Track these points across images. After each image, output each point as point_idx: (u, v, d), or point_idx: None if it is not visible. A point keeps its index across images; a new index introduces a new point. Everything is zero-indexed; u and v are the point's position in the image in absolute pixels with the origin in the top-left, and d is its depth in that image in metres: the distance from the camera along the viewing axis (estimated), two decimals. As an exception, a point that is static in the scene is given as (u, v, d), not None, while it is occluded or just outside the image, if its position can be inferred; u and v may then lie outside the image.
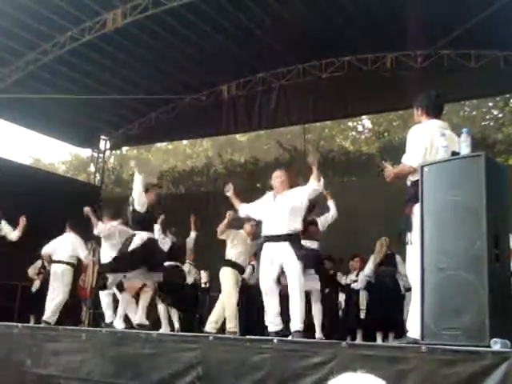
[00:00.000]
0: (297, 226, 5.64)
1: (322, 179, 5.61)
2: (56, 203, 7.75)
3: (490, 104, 18.82)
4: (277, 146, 18.20)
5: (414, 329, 3.89)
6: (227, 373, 4.24)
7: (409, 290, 8.34)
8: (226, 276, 7.55)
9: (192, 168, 19.28)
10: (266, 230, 5.69)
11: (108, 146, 15.75)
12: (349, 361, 3.64)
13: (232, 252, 7.64)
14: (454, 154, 3.92)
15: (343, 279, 9.38)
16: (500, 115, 18.57)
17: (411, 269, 4.08)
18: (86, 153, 21.20)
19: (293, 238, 5.55)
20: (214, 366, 4.36)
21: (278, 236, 5.54)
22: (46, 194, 7.49)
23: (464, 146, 3.76)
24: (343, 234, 10.24)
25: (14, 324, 6.35)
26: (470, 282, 3.43)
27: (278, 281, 5.65)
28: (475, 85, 10.73)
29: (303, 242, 6.34)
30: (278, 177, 5.84)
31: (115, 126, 14.85)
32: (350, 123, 22.28)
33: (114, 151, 18.02)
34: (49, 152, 37.31)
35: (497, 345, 3.19)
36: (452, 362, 3.24)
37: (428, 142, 4.06)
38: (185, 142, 25.17)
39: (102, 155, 15.83)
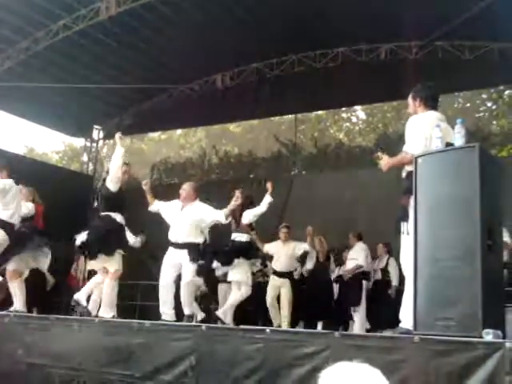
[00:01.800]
0: (197, 239, 6.43)
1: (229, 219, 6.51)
2: (49, 193, 7.69)
3: (484, 96, 18.86)
4: (271, 137, 18.16)
5: (406, 319, 3.90)
6: (220, 362, 4.25)
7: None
8: None
9: (185, 159, 19.23)
10: (170, 236, 6.45)
11: (101, 135, 15.69)
12: (342, 351, 3.65)
13: None
14: (448, 145, 3.92)
15: (336, 270, 9.41)
16: (494, 107, 18.61)
17: (405, 259, 4.08)
18: (79, 142, 21.15)
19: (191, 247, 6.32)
20: (207, 355, 4.36)
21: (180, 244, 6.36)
22: (39, 183, 7.47)
23: (458, 137, 3.76)
24: (337, 226, 10.27)
25: (6, 313, 6.33)
26: (463, 273, 3.44)
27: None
28: (469, 76, 10.75)
29: (235, 234, 7.47)
30: (184, 190, 6.51)
31: (108, 115, 14.78)
32: (343, 114, 22.29)
33: (107, 141, 17.94)
34: (42, 141, 37.13)
35: (489, 335, 3.20)
36: (445, 352, 3.25)
37: (428, 132, 4.06)
38: (178, 132, 25.14)
39: (95, 145, 15.77)
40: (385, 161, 4.31)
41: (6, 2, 9.76)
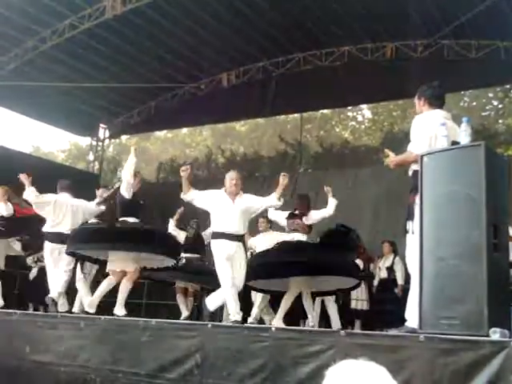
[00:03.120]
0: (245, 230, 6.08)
1: (282, 200, 5.98)
2: (55, 191, 7.73)
3: (490, 94, 18.79)
4: (276, 136, 18.16)
5: (412, 318, 3.89)
6: (226, 360, 4.26)
7: None
8: None
9: (191, 158, 19.27)
10: (221, 227, 5.90)
11: (107, 134, 15.72)
12: (347, 349, 3.65)
13: None
14: (453, 143, 3.91)
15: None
16: (500, 106, 18.53)
17: (411, 258, 4.08)
18: (84, 141, 21.21)
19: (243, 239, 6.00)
20: (213, 353, 4.37)
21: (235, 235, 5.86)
22: (45, 182, 7.50)
23: (464, 136, 3.75)
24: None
25: (13, 311, 6.36)
26: (468, 272, 3.43)
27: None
28: (475, 75, 10.71)
29: (292, 234, 7.07)
30: (238, 179, 6.04)
31: (114, 114, 14.82)
32: (349, 113, 22.25)
33: (113, 140, 17.99)
34: (48, 140, 37.21)
35: (496, 334, 3.19)
36: (450, 351, 3.24)
37: (432, 131, 4.05)
38: (184, 131, 25.14)
39: (101, 143, 15.80)
40: (391, 158, 4.32)
41: (13, 1, 9.79)
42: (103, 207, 7.23)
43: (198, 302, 9.39)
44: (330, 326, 7.15)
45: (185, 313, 8.49)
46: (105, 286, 6.44)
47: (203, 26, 10.68)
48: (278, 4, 9.97)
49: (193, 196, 6.05)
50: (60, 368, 5.29)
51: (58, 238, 6.83)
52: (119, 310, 6.29)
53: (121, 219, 6.52)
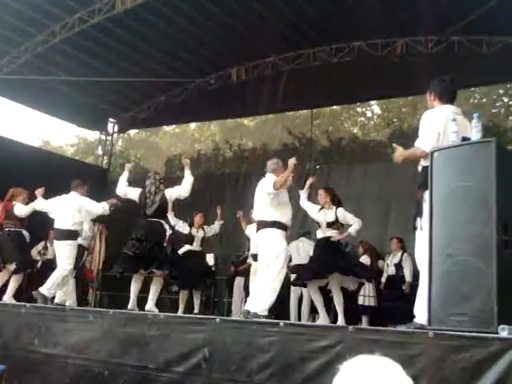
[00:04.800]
0: None
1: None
2: (64, 185, 7.81)
3: (501, 91, 18.66)
4: (285, 131, 18.14)
5: (421, 314, 3.89)
6: (234, 355, 4.27)
7: None
8: None
9: (199, 153, 19.26)
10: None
11: (116, 128, 15.73)
12: (355, 345, 3.66)
13: None
14: (464, 139, 3.89)
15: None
16: (510, 102, 18.41)
17: (420, 254, 4.07)
18: (93, 136, 21.25)
19: None
20: (221, 348, 4.39)
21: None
22: (55, 176, 7.53)
23: (475, 132, 3.73)
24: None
25: (22, 304, 6.40)
26: (478, 269, 3.42)
27: None
28: (486, 71, 10.62)
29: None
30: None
31: (123, 108, 14.82)
32: (358, 109, 22.15)
33: (121, 134, 18.01)
34: (57, 135, 37.35)
35: (505, 331, 3.18)
36: (459, 347, 3.24)
37: (441, 127, 4.03)
38: (193, 125, 25.13)
39: (109, 138, 15.82)
40: (399, 152, 4.30)
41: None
42: (107, 212, 7.77)
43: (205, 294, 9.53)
44: (336, 322, 7.19)
45: (180, 310, 8.55)
46: None
47: (213, 20, 10.65)
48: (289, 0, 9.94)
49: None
50: (68, 360, 5.32)
51: (59, 233, 7.52)
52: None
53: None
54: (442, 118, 4.09)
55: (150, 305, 7.07)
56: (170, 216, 8.76)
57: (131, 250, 6.78)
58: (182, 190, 7.27)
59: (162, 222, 7.10)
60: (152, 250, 6.80)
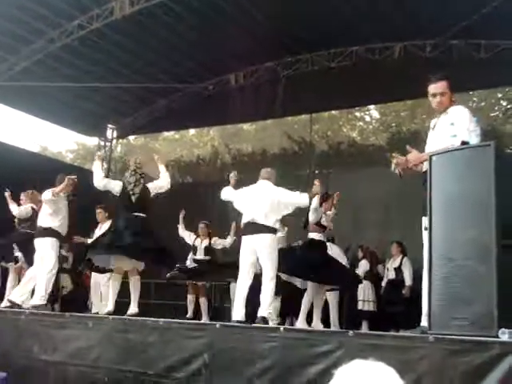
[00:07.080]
0: None
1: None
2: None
3: (499, 95, 18.68)
4: (284, 136, 18.16)
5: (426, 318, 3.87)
6: (234, 361, 4.26)
7: None
8: None
9: (198, 158, 19.27)
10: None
11: (115, 134, 15.74)
12: (356, 350, 3.65)
13: None
14: (463, 143, 3.89)
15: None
16: (509, 106, 18.41)
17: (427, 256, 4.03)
18: (92, 141, 21.22)
19: None
20: (221, 353, 4.38)
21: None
22: (54, 182, 7.58)
23: (474, 135, 3.73)
24: (350, 224, 10.25)
25: (21, 310, 6.38)
26: (478, 272, 3.41)
27: None
28: (484, 75, 10.66)
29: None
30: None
31: (122, 114, 14.83)
32: (357, 113, 22.18)
33: (120, 140, 18.01)
34: (55, 141, 37.33)
35: (505, 335, 3.18)
36: (460, 351, 3.23)
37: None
38: (192, 131, 25.13)
39: (108, 144, 15.82)
40: (414, 155, 4.22)
41: (22, 2, 9.83)
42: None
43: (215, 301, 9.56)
44: (329, 326, 7.18)
45: (190, 312, 8.55)
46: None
47: (211, 25, 10.67)
48: (285, 4, 9.94)
49: None
50: (69, 367, 5.31)
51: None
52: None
53: None
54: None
55: (132, 306, 6.61)
56: (181, 229, 8.85)
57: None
58: (164, 183, 7.23)
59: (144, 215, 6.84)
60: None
